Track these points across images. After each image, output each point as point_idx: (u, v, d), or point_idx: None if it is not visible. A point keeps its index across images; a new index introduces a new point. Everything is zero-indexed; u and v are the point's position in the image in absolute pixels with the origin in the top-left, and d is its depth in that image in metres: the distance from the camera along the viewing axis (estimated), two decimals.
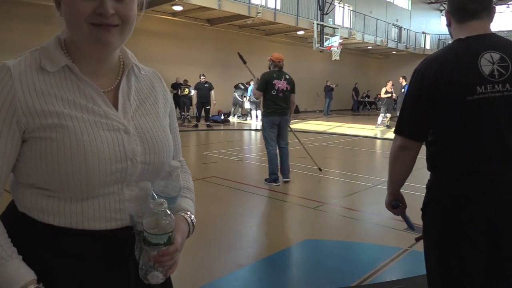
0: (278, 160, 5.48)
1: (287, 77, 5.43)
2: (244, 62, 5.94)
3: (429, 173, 1.53)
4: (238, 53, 6.02)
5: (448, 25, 1.51)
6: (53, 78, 0.83)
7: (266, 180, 5.50)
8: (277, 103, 5.34)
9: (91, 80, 0.87)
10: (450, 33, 1.51)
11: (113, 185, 0.84)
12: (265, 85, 5.35)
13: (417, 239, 1.73)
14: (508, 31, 24.89)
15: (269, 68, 5.53)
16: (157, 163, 0.91)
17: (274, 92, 5.31)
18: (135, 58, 0.98)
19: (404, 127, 1.43)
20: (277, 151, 5.47)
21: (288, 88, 5.39)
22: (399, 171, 1.52)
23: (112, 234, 0.84)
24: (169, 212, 0.81)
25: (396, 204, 1.60)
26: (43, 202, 0.82)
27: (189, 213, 0.97)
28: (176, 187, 0.89)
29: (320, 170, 6.40)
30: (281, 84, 5.34)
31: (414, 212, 1.64)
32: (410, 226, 1.72)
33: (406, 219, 1.70)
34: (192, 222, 0.96)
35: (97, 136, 0.82)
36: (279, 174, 5.48)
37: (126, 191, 0.86)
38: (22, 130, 0.80)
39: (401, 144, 1.44)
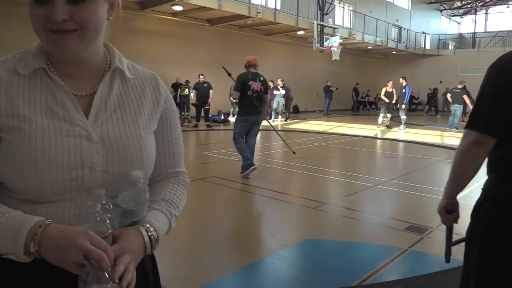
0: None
1: (262, 78, 5.68)
2: (229, 74, 6.27)
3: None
4: (223, 67, 6.41)
5: None
6: (27, 81, 0.83)
7: (241, 173, 5.69)
8: (253, 103, 5.59)
9: (68, 83, 0.85)
10: None
11: (70, 192, 0.81)
12: (241, 86, 5.56)
13: (454, 243, 1.57)
14: (508, 31, 24.93)
15: (246, 69, 5.79)
16: (122, 173, 0.85)
17: (250, 92, 5.54)
18: (123, 61, 0.95)
19: (480, 122, 1.35)
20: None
21: (262, 89, 5.65)
22: (468, 168, 1.40)
23: None
24: (104, 218, 0.75)
25: (451, 208, 1.46)
26: (6, 202, 0.82)
27: (148, 225, 0.86)
28: (139, 199, 0.82)
29: (294, 153, 6.99)
30: (256, 85, 5.57)
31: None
32: (447, 253, 1.54)
33: (449, 237, 1.54)
34: (150, 238, 0.85)
35: (52, 142, 0.80)
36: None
37: (85, 198, 0.82)
38: None
39: (476, 139, 1.35)
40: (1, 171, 0.81)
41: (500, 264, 1.33)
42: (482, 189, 1.44)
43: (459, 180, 1.45)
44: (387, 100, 13.24)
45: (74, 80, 0.86)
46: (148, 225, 0.86)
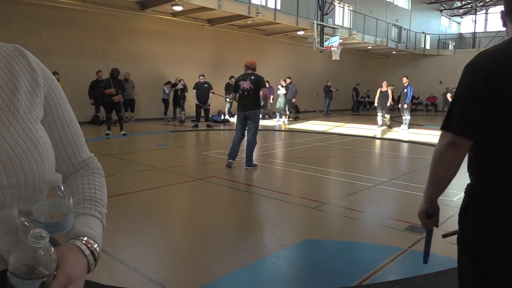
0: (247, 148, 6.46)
1: (252, 78, 6.28)
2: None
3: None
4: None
5: (504, 25, 1.42)
6: None
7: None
8: (242, 101, 6.33)
9: None
10: (507, 33, 1.43)
11: None
12: (235, 86, 6.51)
13: (445, 236, 1.55)
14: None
15: (245, 70, 6.52)
16: (24, 182, 0.67)
17: (240, 91, 6.32)
18: None
19: (454, 123, 1.31)
20: (241, 138, 6.50)
21: (251, 87, 6.23)
22: (445, 172, 1.36)
23: None
24: (49, 249, 0.59)
25: (432, 213, 1.43)
26: None
27: (86, 238, 0.70)
28: (62, 206, 0.66)
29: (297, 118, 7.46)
30: (245, 84, 6.26)
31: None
32: (425, 255, 1.53)
33: (428, 241, 1.52)
34: (93, 252, 0.70)
35: None
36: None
37: None
38: None
39: (450, 141, 1.31)
40: None
41: (495, 271, 1.29)
42: (464, 192, 1.40)
43: (437, 184, 1.42)
44: (376, 104, 13.42)
45: None
46: (85, 237, 0.71)
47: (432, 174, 1.40)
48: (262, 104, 6.59)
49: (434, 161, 1.38)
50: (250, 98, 6.23)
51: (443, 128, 1.36)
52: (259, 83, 6.24)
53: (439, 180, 1.40)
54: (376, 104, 13.49)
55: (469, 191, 1.38)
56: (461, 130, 1.31)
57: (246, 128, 6.40)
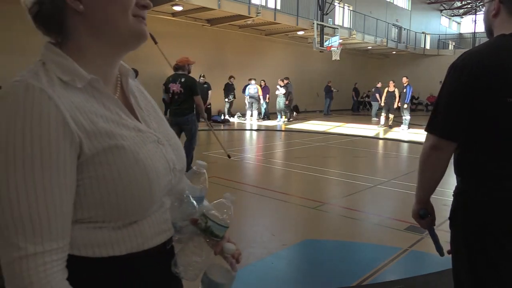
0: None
1: (183, 80, 5.58)
2: (155, 42, 5.62)
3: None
4: (150, 34, 6.37)
5: (494, 15, 1.34)
6: (82, 94, 0.72)
7: None
8: (173, 106, 5.59)
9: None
10: (490, 25, 1.38)
11: (162, 198, 0.81)
12: (163, 88, 5.79)
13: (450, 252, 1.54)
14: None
15: (174, 71, 5.84)
16: (184, 167, 0.89)
17: (170, 94, 5.58)
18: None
19: (437, 125, 1.30)
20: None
21: (183, 91, 5.53)
22: (431, 174, 1.36)
23: (162, 247, 0.81)
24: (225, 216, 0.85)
25: (424, 213, 1.44)
26: (96, 235, 0.71)
27: None
28: (203, 187, 0.88)
29: (229, 157, 6.71)
30: (175, 87, 5.55)
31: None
32: (438, 249, 1.50)
33: (434, 237, 1.51)
34: None
35: (149, 152, 0.76)
36: None
37: (167, 200, 0.83)
38: (77, 156, 0.69)
39: (434, 144, 1.30)
40: (94, 203, 0.70)
41: (489, 270, 1.29)
42: (453, 194, 1.39)
43: (426, 186, 1.41)
44: (382, 104, 13.42)
45: (105, 85, 0.78)
46: None
47: (420, 176, 1.40)
48: (197, 112, 5.87)
49: (420, 163, 1.38)
50: (181, 103, 5.56)
51: (427, 130, 1.35)
52: (191, 88, 5.60)
53: (427, 182, 1.40)
54: (382, 104, 13.51)
55: (457, 193, 1.38)
56: (445, 133, 1.29)
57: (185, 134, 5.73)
